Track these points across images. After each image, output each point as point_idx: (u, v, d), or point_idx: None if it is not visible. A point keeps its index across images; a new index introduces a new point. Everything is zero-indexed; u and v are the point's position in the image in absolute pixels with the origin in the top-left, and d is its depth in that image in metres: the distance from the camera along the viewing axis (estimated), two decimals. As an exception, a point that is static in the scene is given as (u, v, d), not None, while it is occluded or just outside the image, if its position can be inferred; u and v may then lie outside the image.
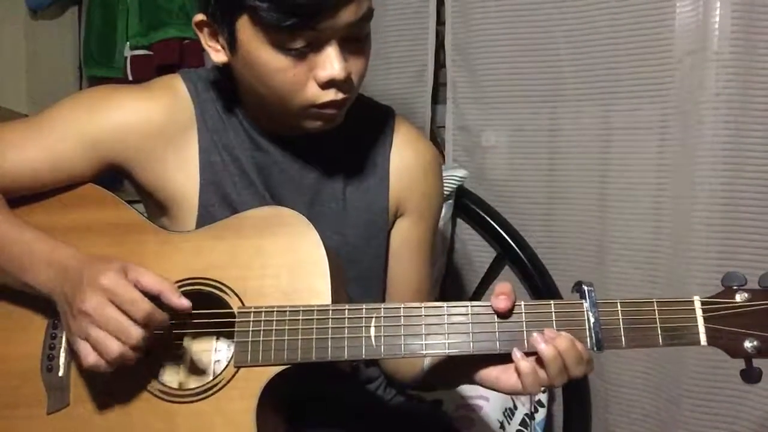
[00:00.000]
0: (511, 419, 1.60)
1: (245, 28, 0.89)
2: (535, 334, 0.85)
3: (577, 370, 0.85)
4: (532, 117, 1.84)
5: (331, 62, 0.89)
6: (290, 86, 0.91)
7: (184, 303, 0.87)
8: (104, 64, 2.28)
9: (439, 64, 1.99)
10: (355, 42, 0.92)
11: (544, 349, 0.84)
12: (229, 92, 1.04)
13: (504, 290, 0.87)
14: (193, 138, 1.03)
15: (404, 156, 1.10)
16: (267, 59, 0.90)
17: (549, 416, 1.78)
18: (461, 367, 0.95)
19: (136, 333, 0.84)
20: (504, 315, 0.86)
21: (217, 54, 0.97)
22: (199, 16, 0.95)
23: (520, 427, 1.60)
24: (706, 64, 1.58)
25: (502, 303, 0.86)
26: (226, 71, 1.02)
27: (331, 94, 0.92)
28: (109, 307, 0.84)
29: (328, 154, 1.06)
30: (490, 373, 0.90)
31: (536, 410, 1.69)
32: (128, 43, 2.23)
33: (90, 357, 0.85)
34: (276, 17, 0.84)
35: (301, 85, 0.91)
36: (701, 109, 1.60)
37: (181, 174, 1.03)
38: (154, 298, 0.86)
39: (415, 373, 1.11)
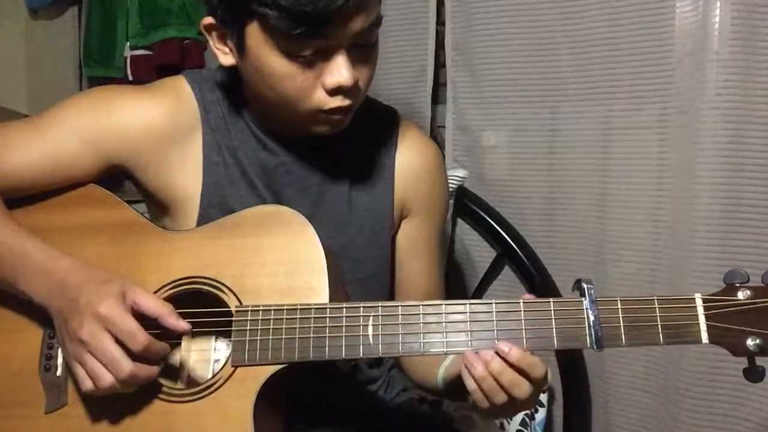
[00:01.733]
0: (511, 419, 1.60)
1: (254, 34, 0.89)
2: (469, 356, 0.84)
3: (518, 392, 0.83)
4: (532, 117, 1.84)
5: (339, 70, 0.89)
6: (298, 92, 0.91)
7: (184, 326, 0.88)
8: (104, 64, 2.28)
9: (439, 64, 1.99)
10: (363, 48, 0.92)
11: (475, 371, 0.83)
12: (235, 93, 1.04)
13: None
14: (197, 139, 1.03)
15: (409, 157, 1.11)
16: (275, 66, 0.89)
17: (549, 416, 1.78)
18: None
19: (127, 368, 0.84)
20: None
21: (225, 57, 0.97)
22: (208, 20, 0.95)
23: (520, 427, 1.60)
24: (706, 64, 1.58)
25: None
26: (232, 72, 1.02)
27: (338, 101, 0.92)
28: (105, 338, 0.84)
29: (333, 155, 1.06)
30: None
31: (536, 410, 1.69)
32: (128, 43, 2.23)
33: (87, 383, 0.86)
34: (285, 25, 0.84)
35: (309, 90, 0.91)
36: (701, 109, 1.59)
37: (184, 175, 1.03)
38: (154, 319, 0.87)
39: (430, 385, 1.09)
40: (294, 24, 0.83)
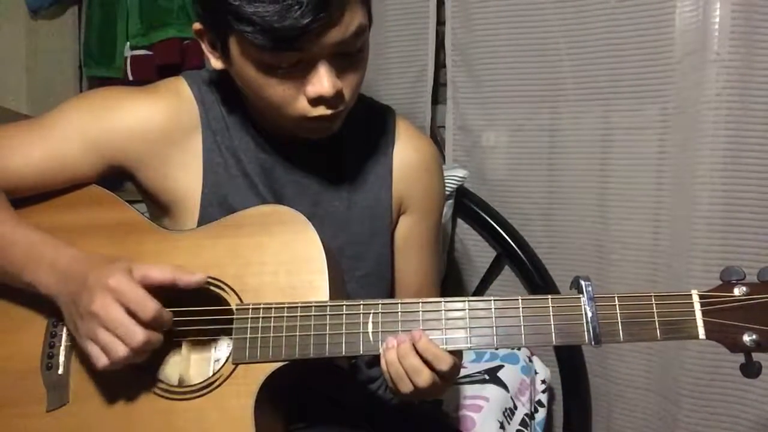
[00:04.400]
0: (511, 419, 1.60)
1: (235, 46, 0.90)
2: (388, 340, 0.87)
3: (419, 379, 0.86)
4: (532, 117, 1.84)
5: (319, 80, 0.89)
6: (280, 101, 0.92)
7: (200, 278, 0.90)
8: (104, 64, 2.28)
9: (439, 64, 1.99)
10: (347, 57, 0.91)
11: (385, 353, 0.87)
12: (234, 94, 1.04)
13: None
14: (197, 140, 1.04)
15: (406, 154, 1.11)
16: (255, 77, 0.90)
17: (549, 416, 1.78)
18: None
19: (141, 336, 0.84)
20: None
21: (216, 61, 0.97)
22: (197, 25, 0.96)
23: (520, 427, 1.59)
24: (706, 64, 1.58)
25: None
26: (229, 74, 1.03)
27: (321, 110, 0.92)
28: (117, 308, 0.84)
29: (332, 154, 1.07)
30: None
31: (536, 410, 1.69)
32: (128, 43, 2.23)
33: (101, 359, 0.86)
34: (260, 39, 0.84)
35: (291, 99, 0.91)
36: (701, 109, 1.60)
37: (185, 176, 1.03)
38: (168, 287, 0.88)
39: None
40: (267, 39, 0.84)
